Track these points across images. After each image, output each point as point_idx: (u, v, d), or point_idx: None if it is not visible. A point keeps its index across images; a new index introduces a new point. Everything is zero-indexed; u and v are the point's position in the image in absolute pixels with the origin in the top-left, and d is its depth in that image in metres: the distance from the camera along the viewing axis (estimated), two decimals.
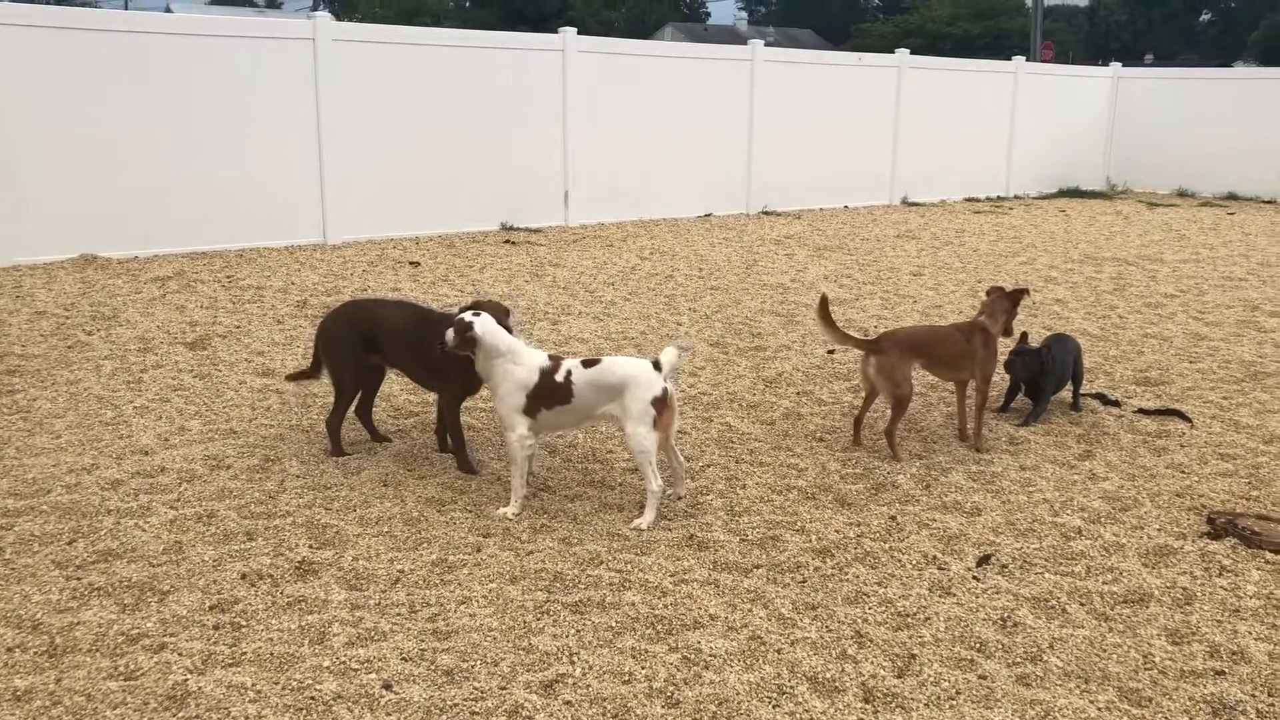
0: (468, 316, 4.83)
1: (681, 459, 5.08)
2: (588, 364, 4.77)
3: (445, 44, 13.11)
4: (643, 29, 58.61)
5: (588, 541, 4.54)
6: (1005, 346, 6.30)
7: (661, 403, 4.63)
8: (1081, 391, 6.63)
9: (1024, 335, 6.50)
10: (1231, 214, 17.30)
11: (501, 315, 5.08)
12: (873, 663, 3.64)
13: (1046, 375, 6.27)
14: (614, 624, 3.84)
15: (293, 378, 5.96)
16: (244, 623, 3.82)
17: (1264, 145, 19.15)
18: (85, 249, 10.58)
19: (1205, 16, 72.12)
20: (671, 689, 3.45)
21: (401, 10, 47.60)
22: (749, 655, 3.66)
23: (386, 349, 5.42)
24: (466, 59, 12.96)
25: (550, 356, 4.85)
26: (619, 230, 13.84)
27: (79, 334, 7.85)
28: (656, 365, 4.67)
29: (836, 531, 4.70)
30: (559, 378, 4.75)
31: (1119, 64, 21.95)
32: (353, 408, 5.62)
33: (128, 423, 5.95)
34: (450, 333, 4.78)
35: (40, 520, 4.62)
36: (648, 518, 4.69)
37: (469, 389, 5.29)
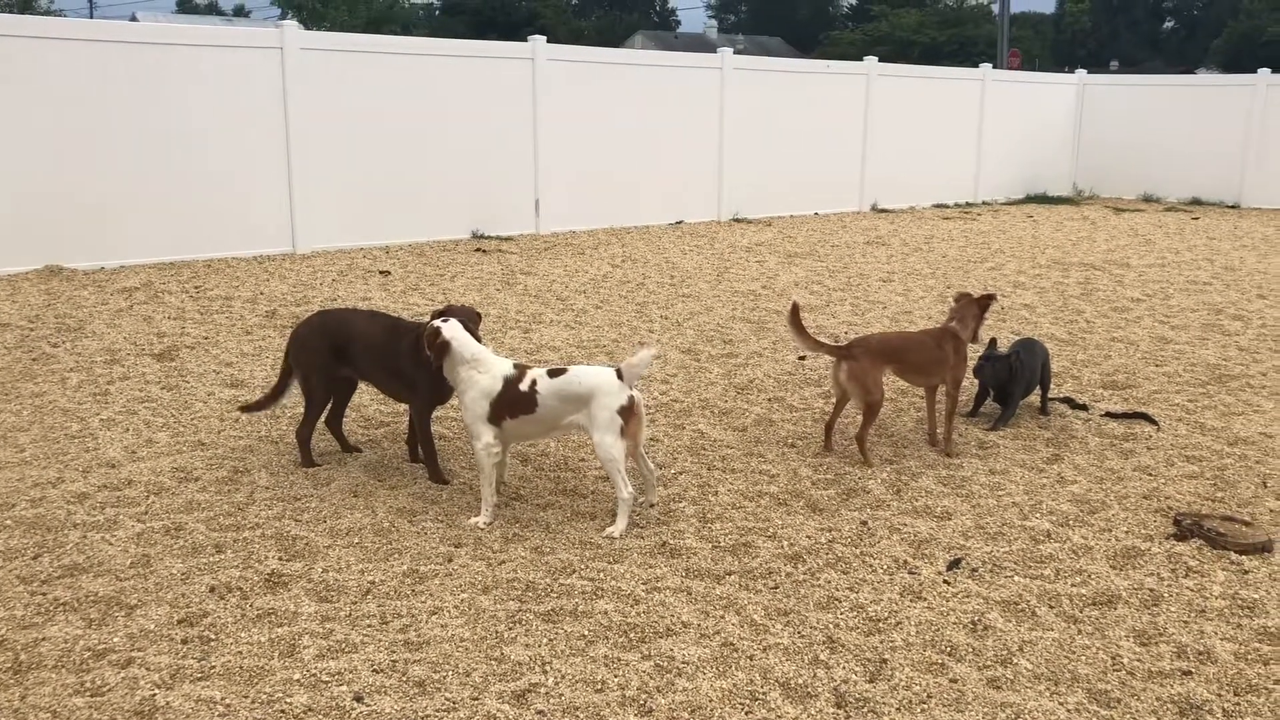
0: (436, 323, 4.82)
1: (652, 466, 5.08)
2: (553, 373, 4.76)
3: (414, 52, 13.08)
4: (613, 37, 58.72)
5: (560, 550, 4.53)
6: (974, 352, 6.35)
7: (629, 411, 4.62)
8: (1049, 395, 6.69)
9: (992, 341, 6.55)
10: (1196, 218, 17.53)
11: (472, 320, 5.07)
12: (844, 668, 3.65)
13: (1015, 380, 6.32)
14: (586, 632, 3.84)
15: (246, 409, 5.80)
16: (213, 636, 3.78)
17: (1226, 150, 19.42)
18: (50, 260, 10.46)
19: (1169, 24, 73.09)
20: (644, 697, 3.45)
21: (370, 19, 47.40)
22: (721, 662, 3.67)
23: (357, 361, 5.38)
24: (436, 67, 12.94)
25: (516, 365, 4.84)
26: (590, 238, 13.85)
27: (44, 346, 7.76)
28: (619, 374, 4.66)
29: (808, 537, 4.71)
30: (524, 387, 4.73)
31: (1085, 71, 22.21)
32: (323, 418, 5.58)
33: (94, 435, 5.89)
34: (426, 348, 4.76)
35: (4, 535, 4.56)
36: (619, 525, 4.69)
37: (439, 398, 5.26)
